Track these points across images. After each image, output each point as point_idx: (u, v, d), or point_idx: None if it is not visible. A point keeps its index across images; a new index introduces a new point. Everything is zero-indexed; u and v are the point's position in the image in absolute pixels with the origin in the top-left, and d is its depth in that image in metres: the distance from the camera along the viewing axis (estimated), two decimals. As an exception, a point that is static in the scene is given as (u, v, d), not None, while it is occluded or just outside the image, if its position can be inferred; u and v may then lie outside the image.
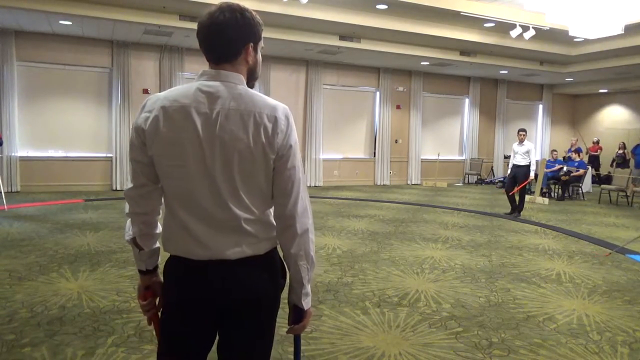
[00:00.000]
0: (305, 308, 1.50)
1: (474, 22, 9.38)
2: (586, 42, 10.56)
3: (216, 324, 1.47)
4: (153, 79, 10.79)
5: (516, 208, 8.58)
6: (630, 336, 3.41)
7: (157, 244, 1.55)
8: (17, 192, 9.60)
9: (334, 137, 12.98)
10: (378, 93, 13.44)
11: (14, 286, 4.06)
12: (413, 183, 13.94)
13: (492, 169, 15.22)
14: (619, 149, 13.86)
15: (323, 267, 4.91)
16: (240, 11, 1.39)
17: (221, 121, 1.34)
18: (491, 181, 14.51)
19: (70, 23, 8.85)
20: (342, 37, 10.19)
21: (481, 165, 14.63)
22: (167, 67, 10.82)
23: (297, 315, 1.50)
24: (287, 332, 1.55)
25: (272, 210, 1.47)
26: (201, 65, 9.13)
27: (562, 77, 13.88)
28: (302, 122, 12.43)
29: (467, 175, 14.77)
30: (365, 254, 5.54)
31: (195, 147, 1.34)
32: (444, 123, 14.78)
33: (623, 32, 8.14)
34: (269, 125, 1.36)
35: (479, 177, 14.61)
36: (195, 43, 9.54)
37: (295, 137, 1.42)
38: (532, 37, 9.53)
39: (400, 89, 13.70)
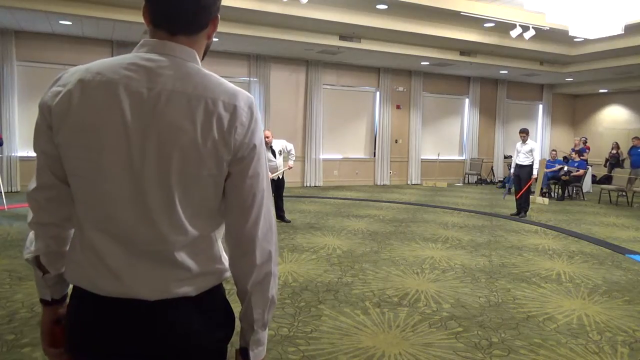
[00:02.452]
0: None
1: (474, 22, 9.38)
2: (586, 42, 10.56)
3: None
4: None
5: (523, 208, 8.58)
6: (630, 336, 3.41)
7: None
8: (17, 192, 9.60)
9: (333, 137, 12.98)
10: (378, 93, 13.44)
11: (14, 286, 4.06)
12: (413, 183, 13.94)
13: (492, 169, 15.22)
14: (612, 149, 13.86)
15: (323, 267, 4.91)
16: None
17: (160, 105, 0.98)
18: (501, 181, 14.21)
19: (70, 23, 8.85)
20: (342, 37, 10.19)
21: (481, 165, 14.63)
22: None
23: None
24: None
25: (218, 232, 1.10)
26: (201, 65, 9.26)
27: (562, 77, 13.88)
28: (302, 122, 12.43)
29: (467, 175, 14.77)
30: (365, 254, 5.54)
31: (117, 136, 0.97)
32: (444, 123, 14.78)
33: (623, 32, 8.14)
34: (225, 116, 1.00)
35: (479, 177, 14.60)
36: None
37: (260, 136, 1.06)
38: (532, 37, 9.52)
39: (400, 89, 13.70)
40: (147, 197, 0.99)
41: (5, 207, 7.56)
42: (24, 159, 9.85)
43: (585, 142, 13.87)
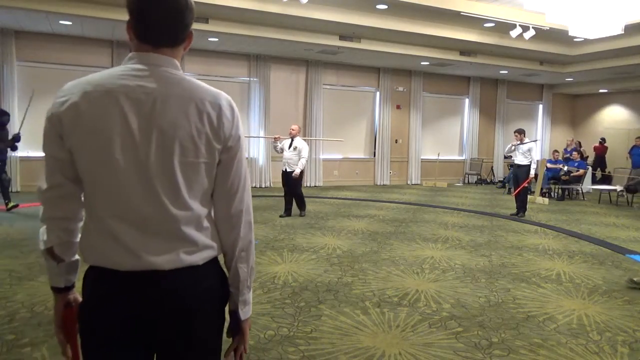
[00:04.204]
0: (243, 318, 1.33)
1: (474, 22, 9.38)
2: (586, 42, 10.56)
3: (150, 345, 1.26)
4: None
5: (521, 208, 8.58)
6: (630, 336, 3.41)
7: (77, 256, 1.33)
8: (17, 192, 9.60)
9: (334, 137, 12.97)
10: (378, 93, 13.44)
11: (14, 286, 4.06)
12: (413, 183, 13.94)
13: (492, 169, 15.22)
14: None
15: (323, 267, 4.91)
16: None
17: (158, 108, 1.17)
18: (501, 181, 14.18)
19: (70, 23, 8.85)
20: (342, 37, 10.19)
21: (481, 165, 14.63)
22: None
23: (235, 324, 1.34)
24: (226, 355, 1.35)
25: (212, 212, 1.31)
26: (201, 65, 9.14)
27: (562, 77, 13.88)
28: (302, 122, 12.43)
29: (467, 175, 14.76)
30: (365, 254, 5.54)
31: (124, 137, 1.15)
32: (444, 123, 14.78)
33: (623, 32, 8.14)
34: (213, 113, 1.21)
35: (479, 177, 14.60)
36: (195, 43, 9.44)
37: (242, 129, 1.29)
38: (532, 37, 9.53)
39: (400, 89, 13.70)
40: (155, 184, 1.18)
41: (7, 205, 7.54)
42: (24, 159, 9.85)
43: (579, 146, 13.87)
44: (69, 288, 1.35)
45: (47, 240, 1.26)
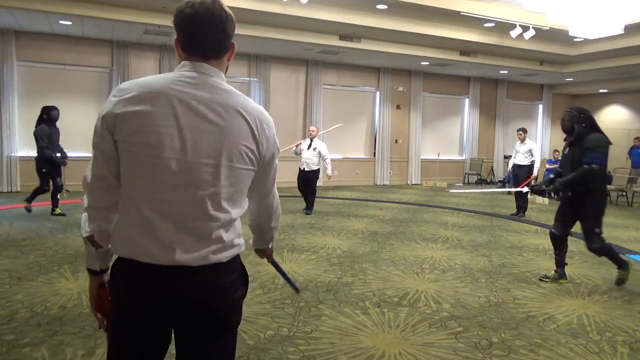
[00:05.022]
0: (271, 246, 1.76)
1: (474, 22, 9.38)
2: (586, 42, 10.56)
3: (168, 334, 1.38)
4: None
5: (520, 208, 8.58)
6: (630, 336, 3.41)
7: None
8: (17, 192, 9.60)
9: (334, 137, 12.94)
10: (378, 93, 13.44)
11: (14, 286, 4.06)
12: (413, 183, 13.94)
13: (492, 169, 15.22)
14: None
15: (323, 267, 4.91)
16: (225, 6, 1.35)
17: (208, 114, 1.28)
18: (501, 181, 14.15)
19: (70, 23, 8.85)
20: (342, 37, 10.19)
21: (481, 165, 14.63)
22: (167, 67, 10.82)
23: (262, 253, 1.79)
24: (270, 262, 1.84)
25: (242, 212, 1.45)
26: (201, 65, 8.85)
27: (562, 77, 13.88)
28: (302, 122, 12.43)
29: (467, 175, 14.76)
30: (365, 254, 5.54)
31: (173, 136, 1.25)
32: (444, 123, 14.78)
33: (623, 32, 8.13)
34: (256, 129, 1.34)
35: (479, 177, 14.60)
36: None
37: (277, 146, 1.46)
38: (532, 37, 9.52)
39: (400, 89, 13.70)
40: (198, 184, 1.28)
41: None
42: (24, 159, 9.83)
43: None
44: (104, 271, 1.46)
45: (89, 228, 1.36)
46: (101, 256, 1.42)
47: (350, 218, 7.91)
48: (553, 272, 4.70)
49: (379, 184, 13.50)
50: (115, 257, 1.39)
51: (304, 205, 8.34)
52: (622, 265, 4.54)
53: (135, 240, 1.29)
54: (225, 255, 1.35)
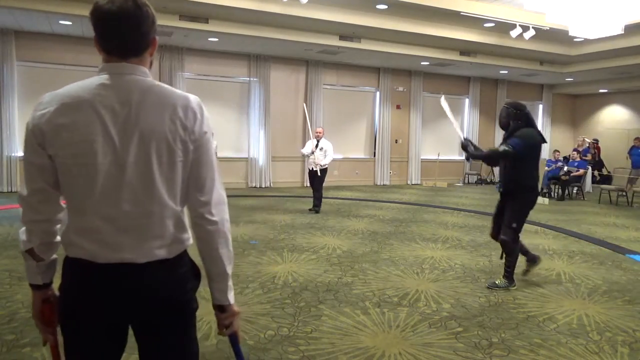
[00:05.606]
0: (232, 302, 1.44)
1: (474, 22, 9.38)
2: (586, 42, 10.56)
3: (124, 333, 1.39)
4: (153, 78, 10.79)
5: None
6: (630, 336, 3.41)
7: (55, 255, 1.41)
8: (17, 192, 9.59)
9: (334, 137, 12.93)
10: (378, 93, 13.44)
11: (14, 286, 4.06)
12: (413, 183, 13.94)
13: (492, 169, 15.22)
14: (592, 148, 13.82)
15: (323, 267, 4.91)
16: (142, 2, 1.30)
17: (133, 114, 1.26)
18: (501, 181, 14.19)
19: (70, 23, 8.85)
20: (342, 37, 10.19)
21: (481, 165, 14.63)
22: (167, 67, 10.83)
23: (222, 314, 1.44)
24: (227, 334, 1.48)
25: (185, 208, 1.40)
26: (201, 65, 9.10)
27: (562, 77, 13.88)
28: (302, 122, 12.42)
29: (467, 175, 14.77)
30: (365, 254, 5.54)
31: (105, 143, 1.25)
32: (444, 123, 14.74)
33: (623, 32, 8.14)
34: (183, 115, 1.31)
35: (479, 177, 14.61)
36: (195, 43, 9.47)
37: (210, 126, 1.37)
38: (532, 37, 9.53)
39: (400, 89, 13.71)
40: (134, 184, 1.27)
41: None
42: (23, 159, 9.83)
43: (596, 143, 13.78)
44: (47, 285, 1.42)
45: (28, 241, 1.34)
46: (42, 270, 1.38)
47: (350, 218, 7.91)
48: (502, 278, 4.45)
49: (379, 184, 13.50)
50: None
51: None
52: (533, 259, 4.62)
53: (80, 244, 1.29)
54: (170, 251, 1.34)
